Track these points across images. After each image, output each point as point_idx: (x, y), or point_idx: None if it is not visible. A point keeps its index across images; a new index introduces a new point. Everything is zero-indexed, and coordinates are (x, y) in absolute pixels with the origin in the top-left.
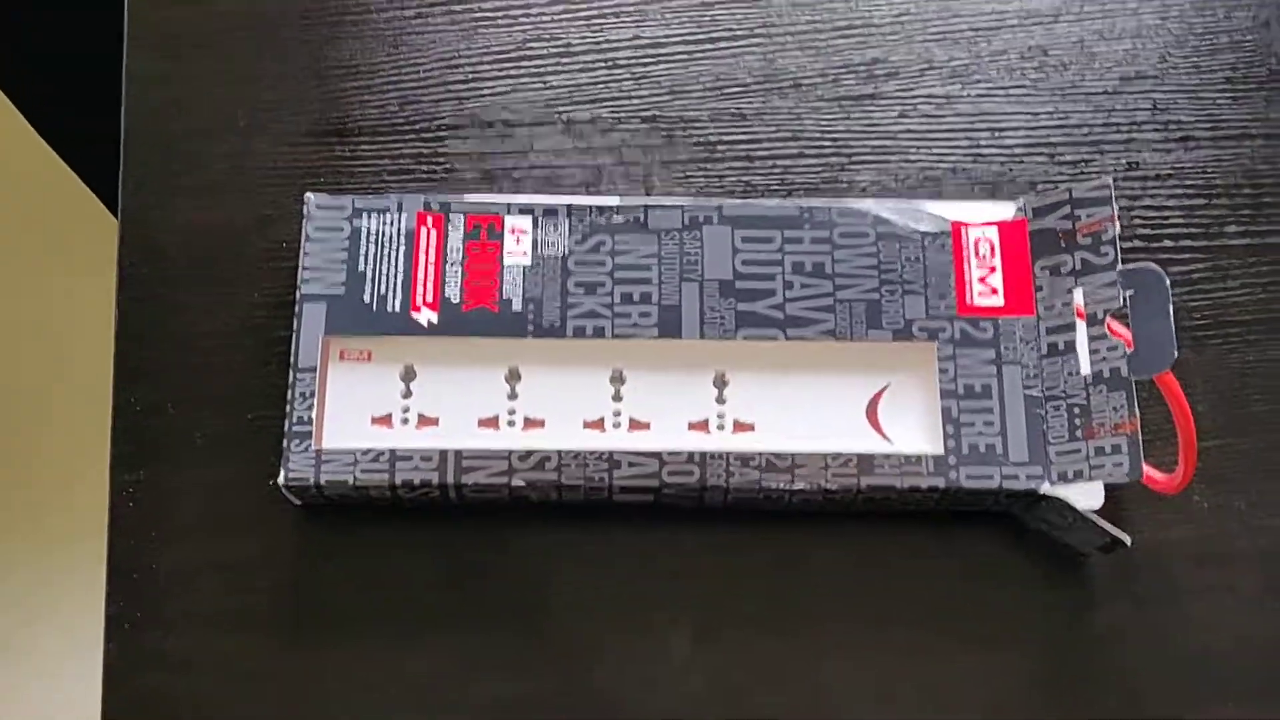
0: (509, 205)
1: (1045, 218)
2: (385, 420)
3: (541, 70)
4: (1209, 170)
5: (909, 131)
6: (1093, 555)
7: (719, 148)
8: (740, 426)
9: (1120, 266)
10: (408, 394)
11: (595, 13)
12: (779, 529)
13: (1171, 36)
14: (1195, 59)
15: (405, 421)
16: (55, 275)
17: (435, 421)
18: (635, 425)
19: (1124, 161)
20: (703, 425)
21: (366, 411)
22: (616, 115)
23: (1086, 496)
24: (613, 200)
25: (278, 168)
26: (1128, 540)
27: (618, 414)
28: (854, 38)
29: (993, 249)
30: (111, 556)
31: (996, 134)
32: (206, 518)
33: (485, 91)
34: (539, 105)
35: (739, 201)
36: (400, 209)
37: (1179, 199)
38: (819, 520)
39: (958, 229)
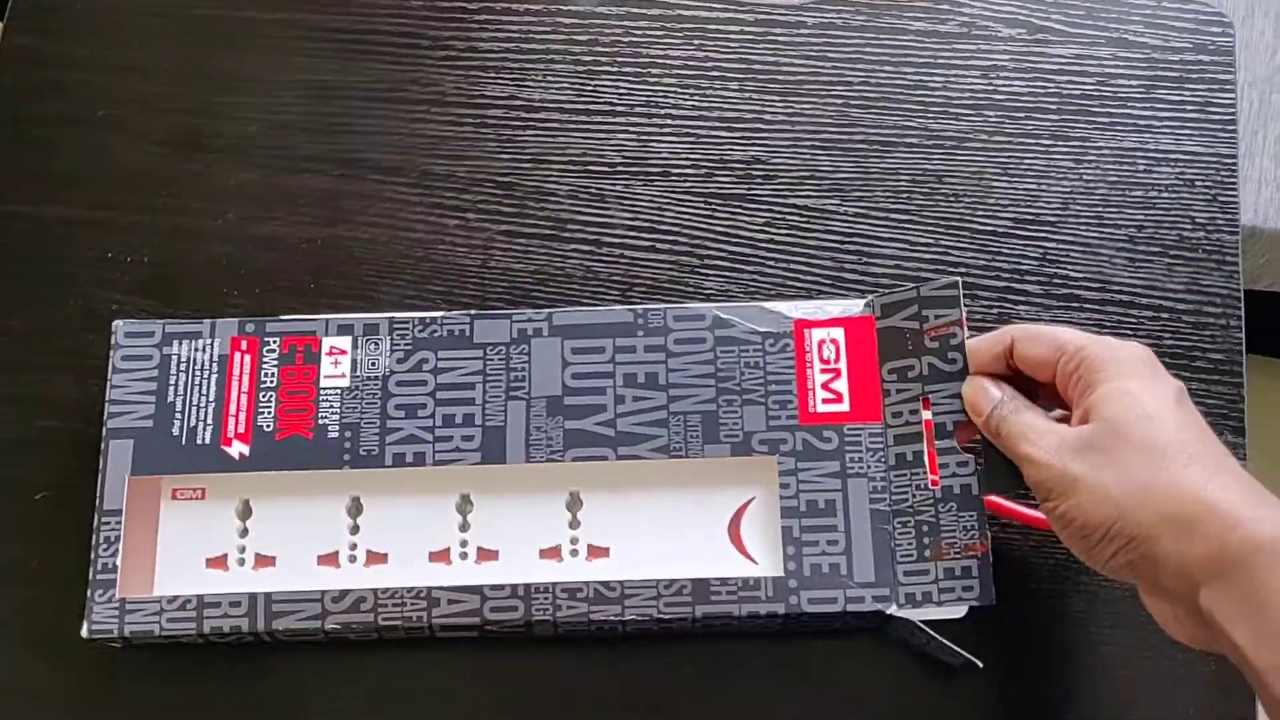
0: (327, 323)
1: (892, 317)
2: (220, 562)
3: (410, 116)
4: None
5: (772, 241)
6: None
7: (569, 226)
8: (595, 551)
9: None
10: (244, 533)
11: (476, 65)
12: (617, 652)
13: (1080, 182)
14: (1100, 211)
15: (241, 562)
16: None
17: (272, 561)
18: (484, 554)
19: (995, 311)
20: (555, 552)
21: (201, 554)
22: (473, 175)
23: (944, 608)
24: (435, 313)
25: (128, 171)
26: (979, 664)
27: (464, 544)
28: (738, 132)
29: (838, 351)
30: None
31: (864, 259)
32: None
33: (349, 129)
34: (398, 151)
35: (569, 309)
36: (213, 334)
37: None
38: (657, 640)
39: (800, 329)
